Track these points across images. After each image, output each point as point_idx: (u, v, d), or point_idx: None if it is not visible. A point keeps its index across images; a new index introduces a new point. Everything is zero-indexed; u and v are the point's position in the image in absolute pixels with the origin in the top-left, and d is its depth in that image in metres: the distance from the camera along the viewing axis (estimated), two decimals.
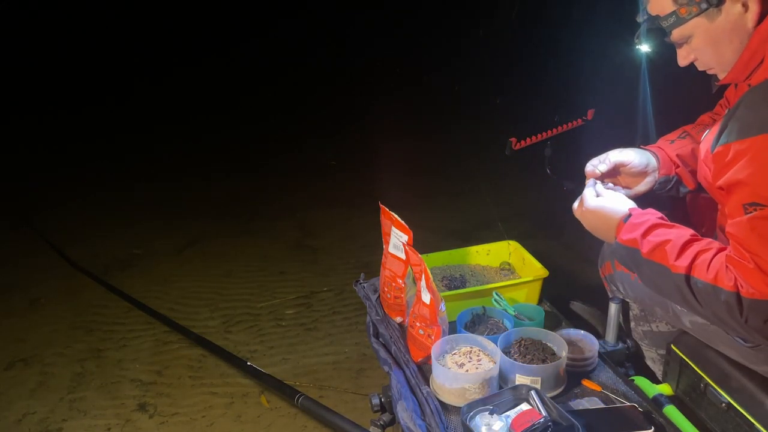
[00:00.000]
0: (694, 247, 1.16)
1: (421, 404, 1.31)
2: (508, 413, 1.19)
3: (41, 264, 3.57)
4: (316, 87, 7.59)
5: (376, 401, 1.57)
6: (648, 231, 1.22)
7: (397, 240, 1.52)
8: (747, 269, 1.07)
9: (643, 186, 1.47)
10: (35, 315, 3.09)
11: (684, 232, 1.20)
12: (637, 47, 1.31)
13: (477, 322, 1.53)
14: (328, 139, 5.76)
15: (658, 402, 1.34)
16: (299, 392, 2.23)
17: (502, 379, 1.33)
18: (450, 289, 1.70)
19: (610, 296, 1.59)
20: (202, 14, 9.83)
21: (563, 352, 1.33)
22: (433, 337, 1.40)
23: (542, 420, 1.13)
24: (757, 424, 1.20)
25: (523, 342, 1.39)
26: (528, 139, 1.54)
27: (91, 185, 4.86)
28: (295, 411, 2.29)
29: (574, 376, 1.38)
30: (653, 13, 1.23)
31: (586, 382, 1.37)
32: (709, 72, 1.28)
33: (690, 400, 1.39)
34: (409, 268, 1.52)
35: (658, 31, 1.23)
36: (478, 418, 1.19)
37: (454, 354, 1.38)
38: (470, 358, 1.36)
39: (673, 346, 1.43)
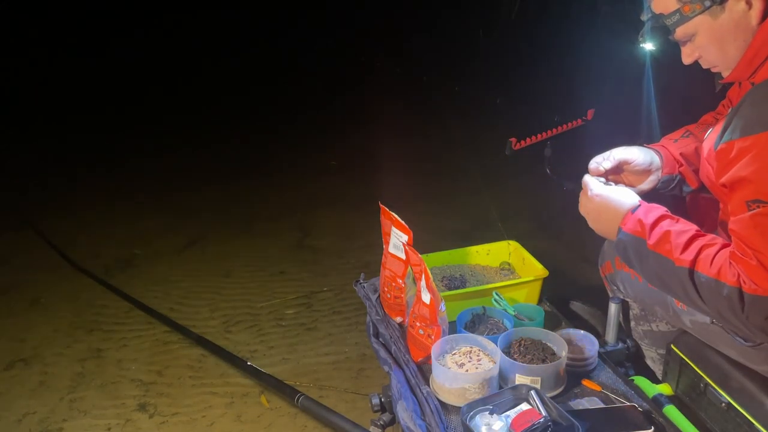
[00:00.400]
0: (698, 242, 1.16)
1: (421, 404, 1.31)
2: (508, 413, 1.19)
3: (41, 264, 3.57)
4: (317, 87, 7.59)
5: (376, 401, 1.57)
6: (656, 222, 1.22)
7: (397, 240, 1.52)
8: (750, 266, 1.07)
9: (646, 185, 1.46)
10: (35, 315, 3.09)
11: (689, 227, 1.20)
12: (641, 45, 1.31)
13: (477, 322, 1.53)
14: (329, 139, 5.76)
15: (658, 402, 1.34)
16: (299, 392, 2.24)
17: (502, 379, 1.33)
18: (450, 289, 1.70)
19: (610, 296, 1.60)
20: (202, 15, 9.83)
21: (563, 352, 1.33)
22: (433, 337, 1.40)
23: (542, 420, 1.13)
24: (757, 424, 1.20)
25: (523, 342, 1.40)
26: (528, 139, 1.54)
27: (91, 185, 4.86)
28: (295, 411, 2.29)
29: (574, 376, 1.38)
30: (657, 11, 1.23)
31: (586, 382, 1.37)
32: (714, 70, 1.28)
33: (690, 399, 1.39)
34: (409, 268, 1.52)
35: (662, 29, 1.24)
36: (478, 418, 1.19)
37: (454, 354, 1.39)
38: (470, 358, 1.36)
39: (672, 346, 1.43)
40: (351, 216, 4.05)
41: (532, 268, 1.72)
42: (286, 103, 7.07)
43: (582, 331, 1.47)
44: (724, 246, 1.14)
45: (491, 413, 1.20)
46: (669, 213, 1.25)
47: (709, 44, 1.21)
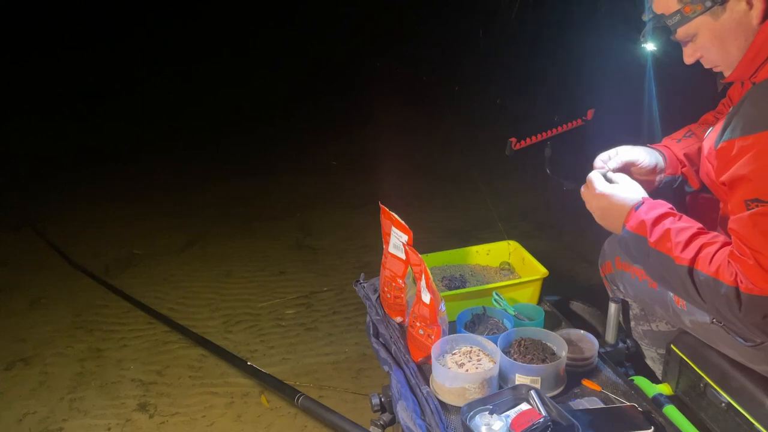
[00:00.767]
0: (699, 240, 1.17)
1: (421, 404, 1.31)
2: (507, 413, 1.19)
3: (41, 264, 3.57)
4: (317, 87, 7.60)
5: (376, 401, 1.57)
6: (658, 220, 1.22)
7: (397, 240, 1.52)
8: (747, 265, 1.07)
9: (647, 185, 1.47)
10: (35, 315, 3.09)
11: (691, 224, 1.21)
12: (642, 46, 1.31)
13: (477, 322, 1.53)
14: (329, 139, 5.76)
15: (657, 402, 1.34)
16: (299, 392, 2.23)
17: (502, 378, 1.33)
18: (450, 289, 1.70)
19: (610, 296, 1.60)
20: (202, 15, 9.82)
21: (563, 352, 1.33)
22: (433, 337, 1.40)
23: (542, 420, 1.13)
24: (756, 424, 1.20)
25: (523, 342, 1.39)
26: (528, 139, 1.54)
27: (91, 185, 4.86)
28: (295, 411, 2.29)
29: (574, 376, 1.38)
30: (658, 12, 1.23)
31: (586, 382, 1.37)
32: (716, 70, 1.28)
33: (690, 399, 1.39)
34: (409, 268, 1.52)
35: (664, 29, 1.24)
36: (478, 417, 1.19)
37: (454, 354, 1.39)
38: (470, 358, 1.36)
39: (672, 346, 1.43)
40: (351, 216, 4.05)
41: (532, 268, 1.72)
42: (286, 102, 7.07)
43: (582, 331, 1.47)
44: (724, 244, 1.15)
45: (491, 413, 1.20)
46: (673, 210, 1.25)
47: (711, 44, 1.21)
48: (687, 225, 1.20)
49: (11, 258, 3.68)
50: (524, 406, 1.20)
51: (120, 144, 5.88)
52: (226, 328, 2.91)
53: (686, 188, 1.50)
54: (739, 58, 1.20)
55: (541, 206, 3.95)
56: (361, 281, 1.83)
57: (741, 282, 1.08)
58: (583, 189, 1.39)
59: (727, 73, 1.25)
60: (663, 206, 1.26)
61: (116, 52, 8.94)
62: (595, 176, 1.37)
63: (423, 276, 1.39)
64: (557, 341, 1.38)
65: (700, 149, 1.44)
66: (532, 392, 1.21)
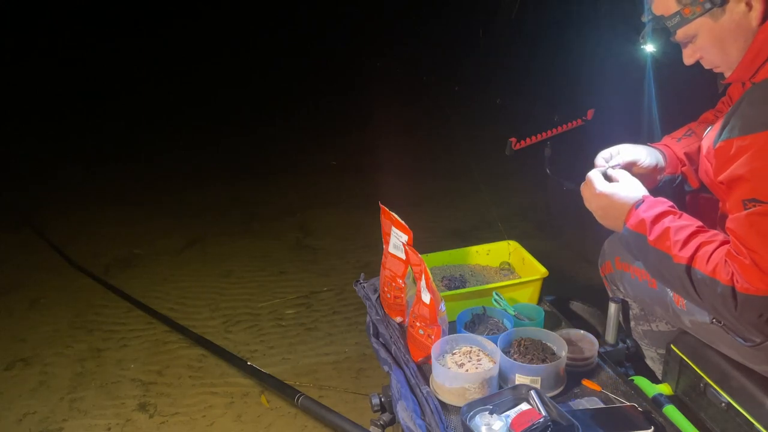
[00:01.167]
0: (698, 239, 1.17)
1: (421, 404, 1.31)
2: (507, 413, 1.19)
3: (41, 264, 3.57)
4: (317, 87, 7.60)
5: (376, 401, 1.57)
6: (657, 218, 1.23)
7: (397, 240, 1.52)
8: (744, 265, 1.07)
9: (647, 183, 1.46)
10: (35, 315, 3.09)
11: (691, 222, 1.21)
12: (642, 47, 1.31)
13: (477, 322, 1.53)
14: (329, 139, 5.76)
15: (657, 402, 1.34)
16: (299, 392, 2.23)
17: (502, 378, 1.33)
18: (450, 289, 1.70)
19: (610, 296, 1.60)
20: (202, 15, 9.82)
21: (563, 352, 1.33)
22: (433, 337, 1.40)
23: (542, 420, 1.13)
24: (756, 424, 1.20)
25: (523, 342, 1.39)
26: (528, 139, 1.54)
27: (92, 185, 4.86)
28: (295, 411, 2.29)
29: (574, 376, 1.38)
30: (657, 13, 1.23)
31: (585, 382, 1.37)
32: (716, 70, 1.28)
33: (689, 399, 1.39)
34: (409, 268, 1.52)
35: (663, 30, 1.24)
36: (478, 417, 1.19)
37: (454, 354, 1.39)
38: (470, 358, 1.36)
39: (672, 346, 1.43)
40: (351, 216, 4.05)
41: (532, 268, 1.72)
42: (286, 103, 7.07)
43: (582, 331, 1.47)
44: (722, 243, 1.15)
45: (491, 413, 1.20)
46: (673, 208, 1.25)
47: (710, 46, 1.21)
48: (686, 223, 1.20)
49: (11, 258, 3.68)
50: (524, 406, 1.20)
51: (120, 144, 5.88)
52: (226, 328, 2.91)
53: (686, 187, 1.50)
54: (739, 59, 1.20)
55: (541, 206, 3.95)
56: (361, 281, 1.83)
57: (737, 281, 1.08)
58: (582, 187, 1.39)
59: (727, 74, 1.25)
60: (663, 204, 1.26)
61: (116, 52, 8.94)
62: (594, 175, 1.37)
63: (423, 276, 1.39)
64: (557, 341, 1.38)
65: (699, 148, 1.44)
66: (532, 392, 1.21)
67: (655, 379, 1.51)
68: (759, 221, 1.07)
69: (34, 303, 3.19)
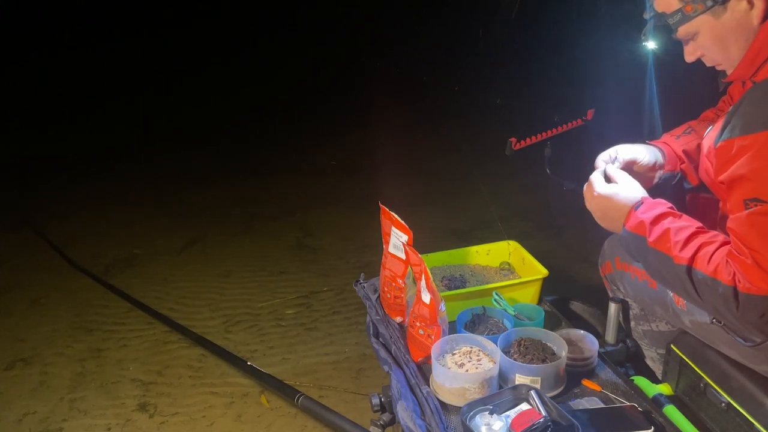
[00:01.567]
0: (698, 239, 1.17)
1: (421, 404, 1.31)
2: (508, 413, 1.19)
3: (41, 264, 3.57)
4: (317, 87, 7.60)
5: (376, 401, 1.57)
6: (656, 219, 1.22)
7: (397, 240, 1.52)
8: (745, 264, 1.07)
9: (647, 181, 1.47)
10: (35, 315, 3.09)
11: (691, 223, 1.21)
12: (643, 44, 1.31)
13: (477, 322, 1.53)
14: (329, 139, 5.76)
15: (657, 402, 1.34)
16: (299, 392, 2.23)
17: (502, 378, 1.33)
18: (450, 289, 1.70)
19: (610, 296, 1.60)
20: (202, 16, 9.82)
21: (563, 352, 1.33)
22: (433, 337, 1.40)
23: (542, 420, 1.13)
24: (757, 424, 1.20)
25: (523, 342, 1.39)
26: (528, 139, 1.54)
27: (92, 185, 4.86)
28: (295, 411, 2.29)
29: (574, 376, 1.38)
30: (659, 10, 1.23)
31: (586, 382, 1.37)
32: (718, 68, 1.28)
33: (690, 399, 1.39)
34: (409, 268, 1.52)
35: (665, 28, 1.24)
36: (478, 417, 1.19)
37: (454, 354, 1.38)
38: (470, 358, 1.36)
39: (672, 346, 1.43)
40: (351, 216, 4.05)
41: (532, 268, 1.72)
42: (286, 103, 7.07)
43: (582, 331, 1.47)
44: (723, 244, 1.15)
45: (491, 413, 1.20)
46: (672, 209, 1.25)
47: (711, 44, 1.21)
48: (686, 224, 1.20)
49: (11, 258, 3.68)
50: (524, 406, 1.20)
51: (120, 144, 5.87)
52: (226, 328, 2.91)
53: (685, 185, 1.50)
54: (740, 57, 1.20)
55: (541, 206, 3.94)
56: (361, 281, 1.83)
57: (739, 281, 1.08)
58: (585, 189, 1.39)
59: (729, 72, 1.25)
60: (662, 205, 1.26)
61: (117, 52, 8.95)
62: (596, 177, 1.37)
63: (423, 276, 1.39)
64: (557, 341, 1.38)
65: (699, 146, 1.44)
66: (532, 392, 1.21)
67: (655, 379, 1.51)
68: (760, 221, 1.07)
69: (34, 303, 3.19)
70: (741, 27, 1.17)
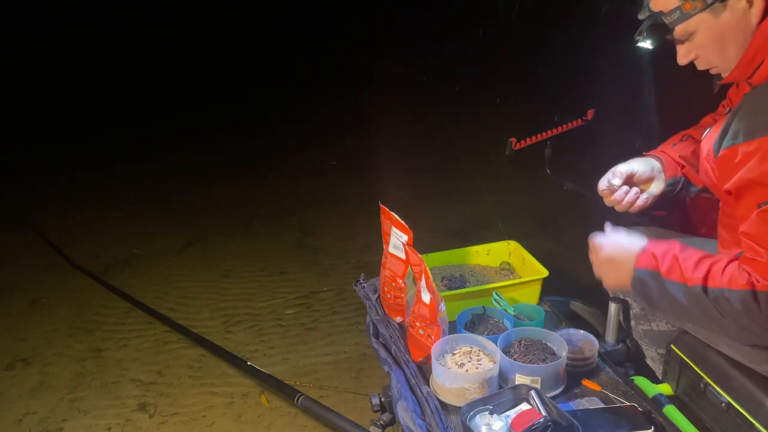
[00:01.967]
0: (707, 260, 1.15)
1: (421, 404, 1.31)
2: (508, 413, 1.19)
3: (41, 264, 3.57)
4: (317, 88, 7.60)
5: (376, 401, 1.57)
6: (665, 253, 1.20)
7: (397, 240, 1.52)
8: (761, 264, 1.06)
9: (654, 188, 1.47)
10: (35, 315, 3.09)
11: (695, 251, 1.19)
12: (638, 45, 1.30)
13: (477, 322, 1.53)
14: (329, 139, 5.76)
15: (657, 402, 1.34)
16: (299, 392, 2.23)
17: (502, 379, 1.33)
18: (450, 289, 1.70)
19: (611, 296, 1.59)
20: (203, 16, 9.83)
21: (563, 352, 1.33)
22: (433, 337, 1.40)
23: (542, 420, 1.13)
24: (757, 424, 1.20)
25: (523, 342, 1.40)
26: (528, 139, 1.55)
27: (92, 185, 4.86)
28: (295, 411, 2.29)
29: (574, 376, 1.38)
30: (656, 9, 1.22)
31: (586, 382, 1.37)
32: (712, 71, 1.27)
33: (690, 399, 1.39)
34: (409, 268, 1.52)
35: (661, 27, 1.22)
36: (478, 417, 1.19)
37: (454, 354, 1.38)
38: (470, 358, 1.36)
39: (672, 346, 1.43)
40: (351, 216, 4.05)
41: (532, 268, 1.72)
42: (286, 103, 7.07)
43: (582, 331, 1.47)
44: (733, 260, 1.13)
45: (491, 413, 1.20)
46: (678, 243, 1.22)
47: (709, 43, 1.20)
48: (692, 251, 1.18)
49: (11, 258, 3.68)
50: (524, 406, 1.20)
51: (121, 144, 5.87)
52: (226, 328, 2.91)
53: (691, 188, 1.49)
54: (737, 57, 1.19)
55: (541, 206, 3.94)
56: (361, 281, 1.83)
57: (757, 282, 1.06)
58: (590, 251, 1.35)
59: (724, 74, 1.24)
60: (666, 242, 1.23)
61: (118, 53, 8.95)
62: (593, 235, 1.34)
63: (423, 276, 1.39)
64: (557, 341, 1.38)
65: (696, 150, 1.45)
66: (532, 392, 1.21)
67: (655, 379, 1.51)
68: None
69: (34, 303, 3.19)
70: (740, 26, 1.16)
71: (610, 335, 1.56)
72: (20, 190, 4.76)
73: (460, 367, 1.34)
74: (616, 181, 1.43)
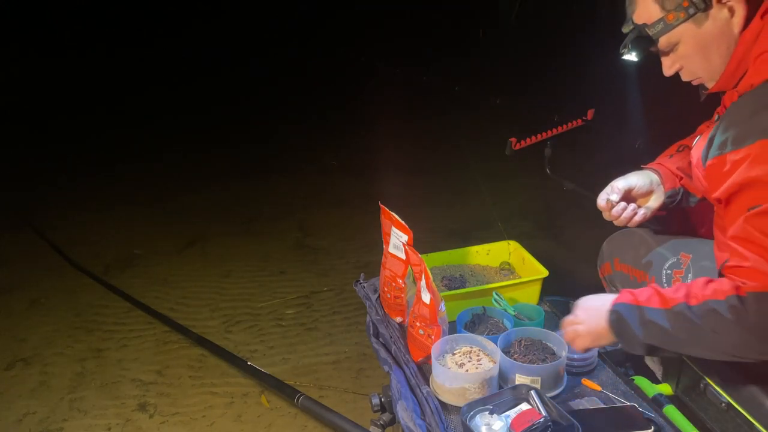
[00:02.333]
0: (685, 285, 1.15)
1: (421, 404, 1.31)
2: (508, 413, 1.20)
3: (41, 264, 3.57)
4: (317, 88, 7.60)
5: (376, 401, 1.57)
6: (644, 290, 1.20)
7: (397, 240, 1.52)
8: (745, 270, 1.06)
9: (654, 202, 1.47)
10: (35, 315, 3.09)
11: (675, 285, 1.19)
12: (623, 58, 1.30)
13: (477, 322, 1.53)
14: (329, 139, 5.76)
15: (657, 402, 1.34)
16: (299, 392, 2.23)
17: (502, 378, 1.33)
18: (450, 289, 1.70)
19: None
20: (203, 17, 9.83)
21: (563, 352, 1.33)
22: (433, 337, 1.40)
23: (542, 420, 1.13)
24: (756, 424, 1.20)
25: (523, 342, 1.40)
26: (528, 139, 1.55)
27: (92, 185, 4.86)
28: (295, 411, 2.29)
29: (574, 376, 1.38)
30: (639, 22, 1.22)
31: (586, 382, 1.37)
32: (695, 82, 1.27)
33: (690, 399, 1.39)
34: (409, 268, 1.52)
35: (645, 39, 1.22)
36: (478, 417, 1.19)
37: (454, 354, 1.39)
38: (470, 358, 1.36)
39: None
40: (351, 216, 4.05)
41: (532, 268, 1.72)
42: (286, 103, 7.07)
43: None
44: (710, 280, 1.13)
45: (491, 413, 1.20)
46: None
47: (693, 53, 1.20)
48: (671, 287, 1.18)
49: (11, 258, 3.68)
50: (524, 406, 1.20)
51: (120, 144, 5.88)
52: (226, 328, 2.91)
53: (691, 199, 1.50)
54: (722, 66, 1.19)
55: (541, 206, 3.95)
56: (361, 281, 1.83)
57: (743, 284, 1.06)
58: (567, 324, 1.34)
59: (709, 84, 1.24)
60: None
61: (119, 53, 8.95)
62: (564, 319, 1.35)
63: (423, 276, 1.39)
64: (557, 341, 1.38)
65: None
66: (532, 392, 1.21)
67: (655, 379, 1.51)
68: (759, 220, 1.06)
69: (34, 303, 3.19)
70: (723, 35, 1.16)
71: None
72: (20, 190, 4.76)
73: (460, 367, 1.34)
74: (614, 197, 1.43)
